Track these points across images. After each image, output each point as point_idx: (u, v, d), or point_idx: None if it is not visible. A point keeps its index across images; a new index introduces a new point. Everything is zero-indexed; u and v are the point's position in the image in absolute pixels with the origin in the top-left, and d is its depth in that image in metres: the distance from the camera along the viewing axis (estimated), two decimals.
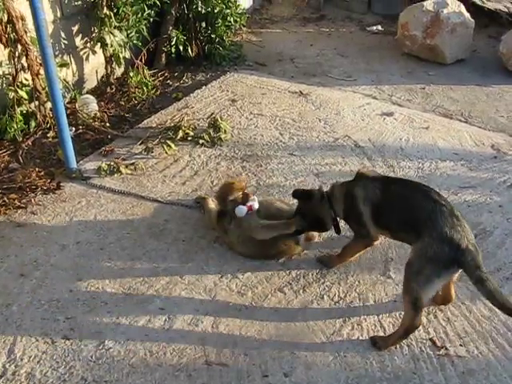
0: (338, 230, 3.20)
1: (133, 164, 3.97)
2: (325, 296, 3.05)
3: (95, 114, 4.62)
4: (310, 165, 4.09)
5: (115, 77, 5.12)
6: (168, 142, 4.15)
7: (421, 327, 2.84)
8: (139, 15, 4.89)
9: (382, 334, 2.84)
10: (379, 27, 6.66)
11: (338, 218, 3.16)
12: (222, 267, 3.20)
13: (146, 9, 4.93)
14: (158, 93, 5.11)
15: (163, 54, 5.46)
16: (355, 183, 3.04)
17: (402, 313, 2.91)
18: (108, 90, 5.02)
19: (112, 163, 3.92)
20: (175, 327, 2.83)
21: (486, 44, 6.30)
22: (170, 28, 5.34)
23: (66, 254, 3.27)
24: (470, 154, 4.33)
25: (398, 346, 2.76)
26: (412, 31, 5.78)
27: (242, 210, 3.20)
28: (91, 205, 3.66)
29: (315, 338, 2.81)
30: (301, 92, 5.14)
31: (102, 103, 4.84)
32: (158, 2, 5.03)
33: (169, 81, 5.35)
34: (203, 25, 5.45)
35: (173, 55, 5.47)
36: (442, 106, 5.12)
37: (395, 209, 2.88)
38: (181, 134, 4.26)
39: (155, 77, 5.29)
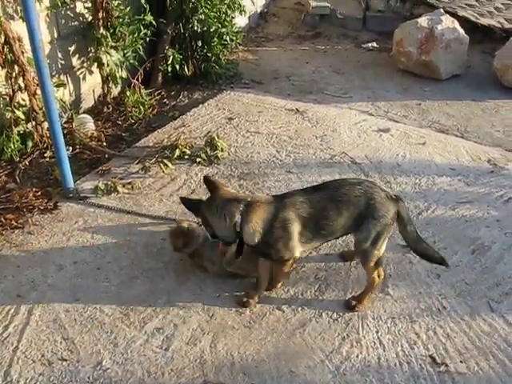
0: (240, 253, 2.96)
1: (130, 183, 3.97)
2: (323, 314, 3.03)
3: (92, 133, 4.63)
4: (306, 182, 4.09)
5: (112, 96, 5.13)
6: (165, 160, 4.16)
7: (420, 344, 2.85)
8: (135, 35, 4.93)
9: (380, 351, 2.82)
10: (374, 44, 6.73)
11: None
12: (219, 286, 3.18)
13: (143, 28, 4.97)
14: (154, 112, 5.13)
15: (159, 73, 5.49)
16: (279, 204, 2.86)
17: (402, 330, 2.93)
18: (105, 109, 5.03)
19: (109, 183, 3.92)
20: (173, 347, 2.80)
21: (481, 59, 6.36)
22: (167, 47, 5.38)
23: (63, 274, 3.25)
24: (467, 169, 4.34)
25: (397, 363, 2.75)
26: (407, 47, 5.84)
27: None
28: (88, 224, 3.65)
29: (314, 356, 2.79)
30: (297, 109, 5.16)
31: (99, 123, 4.86)
32: (154, 22, 5.07)
33: (165, 100, 5.38)
34: (199, 44, 5.49)
35: (169, 74, 5.51)
36: (438, 121, 5.15)
37: (329, 217, 2.85)
38: (178, 152, 4.27)
39: (152, 96, 5.31)
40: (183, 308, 3.04)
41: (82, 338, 2.84)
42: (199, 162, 4.28)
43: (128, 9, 4.83)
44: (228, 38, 5.55)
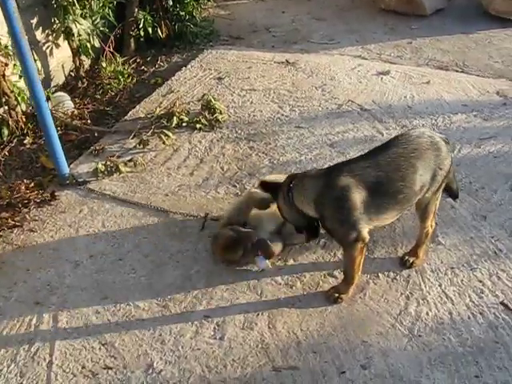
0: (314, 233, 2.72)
1: (131, 160, 3.57)
2: (379, 274, 2.78)
3: (72, 111, 4.18)
4: (320, 136, 3.80)
5: (85, 69, 4.65)
6: (165, 131, 3.76)
7: (487, 291, 2.66)
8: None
9: (450, 305, 2.60)
10: None
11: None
12: None
13: None
14: (134, 81, 4.68)
15: (131, 39, 5.01)
16: (332, 174, 2.52)
17: (465, 280, 2.73)
18: (79, 84, 4.55)
19: (108, 162, 3.51)
20: (228, 335, 2.51)
21: None
22: (136, 10, 4.89)
23: (81, 271, 2.88)
24: (479, 103, 4.13)
25: (470, 316, 2.54)
26: None
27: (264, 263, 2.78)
28: (95, 212, 3.26)
29: (382, 320, 2.55)
30: (287, 61, 4.81)
31: (77, 99, 4.39)
32: None
33: (143, 67, 4.92)
34: (170, 2, 5.02)
35: (142, 39, 5.04)
36: (434, 58, 4.90)
37: (405, 176, 2.49)
38: (175, 121, 3.88)
39: (127, 64, 4.84)
40: (227, 290, 2.73)
41: (122, 341, 2.51)
42: (200, 128, 3.91)
43: None
44: None
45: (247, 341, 2.48)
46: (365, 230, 2.49)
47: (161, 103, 4.25)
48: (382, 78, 4.51)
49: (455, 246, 2.92)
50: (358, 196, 2.43)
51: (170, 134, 3.75)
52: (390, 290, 2.70)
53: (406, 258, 2.83)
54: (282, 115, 4.06)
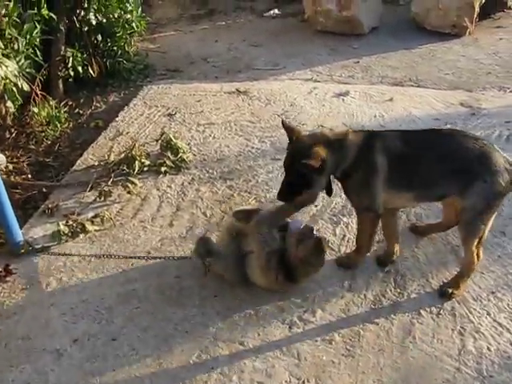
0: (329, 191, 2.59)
1: (96, 216, 3.01)
2: (421, 311, 2.45)
3: (6, 167, 3.53)
4: None
5: (11, 117, 4.00)
6: (130, 178, 3.23)
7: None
8: (29, 37, 3.83)
9: (508, 335, 2.32)
10: (276, 11, 6.21)
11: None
12: (282, 314, 2.45)
13: (37, 26, 3.89)
14: (70, 126, 4.10)
15: (59, 80, 4.41)
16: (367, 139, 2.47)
17: (510, 303, 2.47)
18: (7, 134, 3.90)
19: (70, 222, 2.92)
20: None
21: (387, 9, 6.09)
22: (63, 47, 4.32)
23: (66, 362, 2.28)
24: (449, 116, 4.01)
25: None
26: (325, 5, 5.38)
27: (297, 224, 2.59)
28: (66, 283, 2.66)
29: (445, 365, 2.21)
30: (238, 90, 4.46)
31: (7, 152, 3.73)
32: (51, 16, 3.98)
33: (77, 109, 4.34)
34: (99, 38, 4.51)
35: (71, 79, 4.46)
36: (386, 75, 4.78)
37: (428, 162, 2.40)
38: (138, 165, 3.36)
39: (58, 108, 4.23)
40: (257, 358, 2.26)
41: None
42: (165, 172, 3.42)
43: (12, 3, 3.71)
44: (134, 25, 4.61)
45: None
46: (378, 198, 2.43)
47: (111, 148, 3.71)
48: (343, 100, 4.28)
49: (487, 268, 2.67)
50: (383, 165, 2.36)
51: (137, 182, 3.23)
52: (439, 328, 2.37)
53: (445, 288, 2.53)
54: (253, 148, 3.68)
